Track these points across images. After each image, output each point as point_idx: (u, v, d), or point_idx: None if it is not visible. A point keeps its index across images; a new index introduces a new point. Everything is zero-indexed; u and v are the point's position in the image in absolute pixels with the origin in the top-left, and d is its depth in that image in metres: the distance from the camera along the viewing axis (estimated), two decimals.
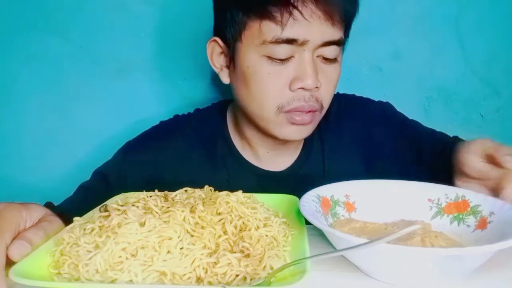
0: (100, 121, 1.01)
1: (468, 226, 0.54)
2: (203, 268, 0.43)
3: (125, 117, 1.01)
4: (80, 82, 0.99)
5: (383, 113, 0.84)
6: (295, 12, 0.62)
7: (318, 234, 0.55)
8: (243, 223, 0.50)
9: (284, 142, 0.75)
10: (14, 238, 0.46)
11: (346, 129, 0.82)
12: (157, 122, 0.84)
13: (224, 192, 0.55)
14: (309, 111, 0.67)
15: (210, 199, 0.54)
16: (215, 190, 0.58)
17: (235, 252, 0.46)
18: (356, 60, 1.01)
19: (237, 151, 0.79)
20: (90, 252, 0.43)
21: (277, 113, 0.67)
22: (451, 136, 0.82)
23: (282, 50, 0.64)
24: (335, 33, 0.65)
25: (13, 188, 1.01)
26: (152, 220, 0.46)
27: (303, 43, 0.64)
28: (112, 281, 0.41)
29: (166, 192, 0.57)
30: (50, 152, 1.01)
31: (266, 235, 0.49)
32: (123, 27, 0.97)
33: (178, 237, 0.45)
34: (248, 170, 0.79)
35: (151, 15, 0.98)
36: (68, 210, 0.65)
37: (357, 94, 0.88)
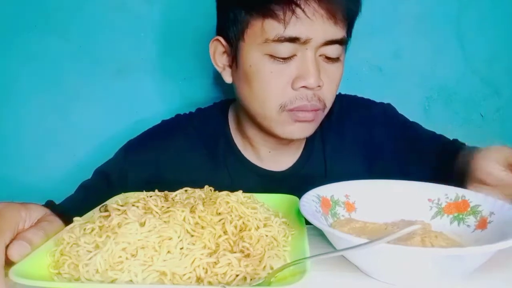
0: (100, 121, 1.01)
1: (468, 226, 0.54)
2: (203, 268, 0.43)
3: (125, 117, 1.01)
4: (80, 82, 0.99)
5: (385, 114, 0.84)
6: (298, 10, 0.62)
7: (318, 234, 0.55)
8: (243, 223, 0.50)
9: (286, 141, 0.75)
10: (13, 238, 0.46)
11: (348, 129, 0.82)
12: (158, 122, 0.84)
13: (224, 192, 0.55)
14: (312, 110, 0.67)
15: (210, 199, 0.54)
16: (215, 190, 0.58)
17: (235, 252, 0.46)
18: (356, 60, 1.01)
19: (239, 151, 0.79)
20: (90, 252, 0.43)
21: (280, 111, 0.67)
22: (451, 138, 0.82)
23: (285, 49, 0.64)
24: (338, 32, 0.65)
25: (13, 188, 1.01)
26: (152, 220, 0.46)
27: (306, 42, 0.64)
28: (112, 281, 0.41)
29: (166, 192, 0.57)
30: (50, 152, 1.01)
31: (266, 235, 0.49)
32: (123, 27, 0.97)
33: (178, 237, 0.45)
34: (250, 170, 0.79)
35: (151, 15, 0.98)
36: (69, 209, 0.65)
37: (357, 94, 0.88)
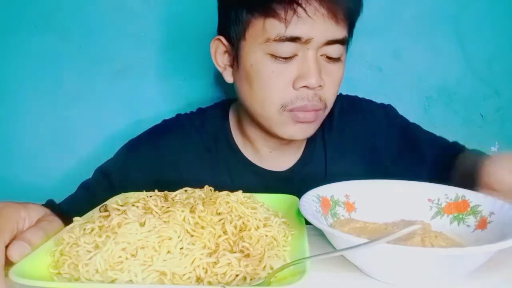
0: (100, 121, 1.01)
1: (468, 226, 0.54)
2: (203, 268, 0.43)
3: (125, 117, 1.01)
4: (80, 82, 0.99)
5: (386, 115, 0.84)
6: (299, 9, 0.62)
7: (318, 234, 0.55)
8: (243, 223, 0.50)
9: (287, 142, 0.75)
10: (13, 238, 0.46)
11: (349, 130, 0.82)
12: (158, 122, 0.84)
13: (224, 192, 0.55)
14: (313, 110, 0.67)
15: (210, 199, 0.54)
16: (216, 190, 0.58)
17: (235, 252, 0.46)
18: (356, 60, 1.01)
19: (240, 151, 0.79)
20: (90, 252, 0.43)
21: (281, 111, 0.67)
22: (451, 141, 0.82)
23: (286, 48, 0.64)
24: (339, 32, 0.65)
25: (13, 188, 1.01)
26: (152, 220, 0.46)
27: (307, 41, 0.64)
28: (112, 281, 0.41)
29: (166, 192, 0.57)
30: (50, 152, 1.01)
31: (266, 235, 0.49)
32: (123, 27, 0.97)
33: (178, 237, 0.45)
34: (250, 170, 0.79)
35: (151, 15, 0.98)
36: (69, 208, 0.65)
37: (358, 94, 0.88)
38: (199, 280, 0.42)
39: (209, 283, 0.42)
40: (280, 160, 0.79)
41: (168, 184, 0.60)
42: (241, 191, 0.56)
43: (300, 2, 0.62)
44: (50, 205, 0.65)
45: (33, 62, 0.97)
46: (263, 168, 0.79)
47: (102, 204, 0.53)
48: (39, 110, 0.99)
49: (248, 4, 0.65)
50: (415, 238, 0.48)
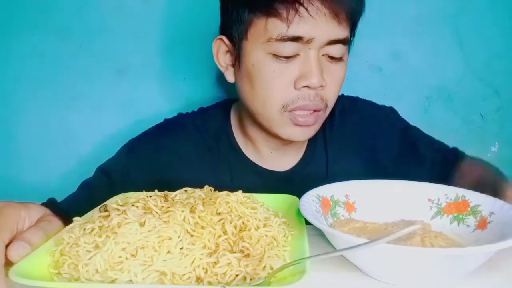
0: (100, 121, 1.00)
1: (468, 226, 0.54)
2: (203, 268, 0.43)
3: (125, 117, 1.01)
4: (80, 82, 0.99)
5: (387, 118, 0.84)
6: (301, 9, 0.62)
7: (318, 234, 0.55)
8: (243, 223, 0.50)
9: (288, 142, 0.75)
10: (13, 238, 0.46)
11: (350, 130, 0.82)
12: (158, 122, 0.84)
13: (224, 192, 0.55)
14: (314, 110, 0.67)
15: (210, 199, 0.54)
16: (217, 190, 0.58)
17: (235, 252, 0.46)
18: (356, 60, 1.01)
19: (241, 151, 0.79)
20: (90, 252, 0.43)
21: (281, 112, 0.67)
22: (451, 146, 0.83)
23: (288, 48, 0.64)
24: (341, 32, 0.65)
25: (13, 188, 1.01)
26: (152, 220, 0.46)
27: (309, 41, 0.63)
28: (112, 281, 0.41)
29: (166, 192, 0.57)
30: (50, 152, 1.01)
31: (266, 235, 0.49)
32: (123, 27, 0.97)
33: (178, 237, 0.45)
34: (252, 169, 0.79)
35: (151, 15, 0.98)
36: (70, 207, 0.65)
37: (357, 94, 0.88)
38: (199, 280, 0.42)
39: (209, 283, 0.42)
40: (281, 160, 0.79)
41: (169, 183, 0.60)
42: (241, 191, 0.56)
43: (302, 1, 0.62)
44: (51, 203, 0.65)
45: (33, 62, 0.97)
46: (264, 168, 0.79)
47: (102, 204, 0.53)
48: (39, 110, 0.99)
49: (250, 3, 0.65)
50: (415, 238, 0.48)
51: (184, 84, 1.01)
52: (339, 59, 0.68)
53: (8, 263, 0.43)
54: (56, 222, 0.52)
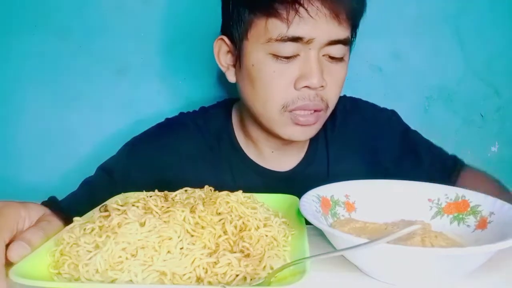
0: (100, 121, 1.00)
1: (468, 226, 0.54)
2: (203, 268, 0.43)
3: (125, 117, 1.01)
4: (80, 82, 0.99)
5: (388, 119, 0.85)
6: (301, 9, 0.62)
7: (318, 234, 0.55)
8: (243, 223, 0.50)
9: (289, 142, 0.75)
10: (13, 238, 0.46)
11: (351, 131, 0.82)
12: (159, 122, 0.84)
13: (224, 192, 0.55)
14: (314, 110, 0.67)
15: (210, 199, 0.54)
16: (218, 189, 0.58)
17: (235, 252, 0.46)
18: (356, 60, 1.01)
19: (242, 150, 0.79)
20: (90, 252, 0.43)
21: (282, 112, 0.67)
22: (450, 153, 0.83)
23: (288, 48, 0.64)
24: (342, 32, 0.65)
25: (13, 188, 1.01)
26: (152, 220, 0.46)
27: (309, 42, 0.63)
28: (112, 281, 0.41)
29: (166, 192, 0.57)
30: (50, 152, 1.01)
31: (266, 235, 0.49)
32: (123, 27, 0.97)
33: (178, 237, 0.45)
34: (253, 169, 0.79)
35: (151, 15, 0.98)
36: (71, 205, 0.65)
37: (357, 94, 0.88)
38: (199, 280, 0.42)
39: (209, 283, 0.42)
40: (282, 160, 0.79)
41: (170, 182, 0.60)
42: (241, 191, 0.56)
43: (302, 2, 0.62)
44: (52, 201, 0.65)
45: (33, 62, 0.97)
46: (265, 168, 0.79)
47: (102, 204, 0.53)
48: (39, 110, 0.99)
49: (250, 4, 0.65)
50: (415, 238, 0.48)
51: (184, 84, 1.01)
52: (340, 59, 0.68)
53: (8, 263, 0.43)
54: (56, 222, 0.52)
